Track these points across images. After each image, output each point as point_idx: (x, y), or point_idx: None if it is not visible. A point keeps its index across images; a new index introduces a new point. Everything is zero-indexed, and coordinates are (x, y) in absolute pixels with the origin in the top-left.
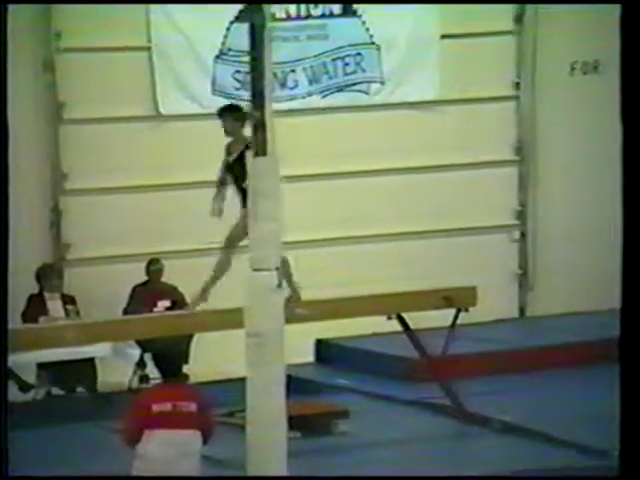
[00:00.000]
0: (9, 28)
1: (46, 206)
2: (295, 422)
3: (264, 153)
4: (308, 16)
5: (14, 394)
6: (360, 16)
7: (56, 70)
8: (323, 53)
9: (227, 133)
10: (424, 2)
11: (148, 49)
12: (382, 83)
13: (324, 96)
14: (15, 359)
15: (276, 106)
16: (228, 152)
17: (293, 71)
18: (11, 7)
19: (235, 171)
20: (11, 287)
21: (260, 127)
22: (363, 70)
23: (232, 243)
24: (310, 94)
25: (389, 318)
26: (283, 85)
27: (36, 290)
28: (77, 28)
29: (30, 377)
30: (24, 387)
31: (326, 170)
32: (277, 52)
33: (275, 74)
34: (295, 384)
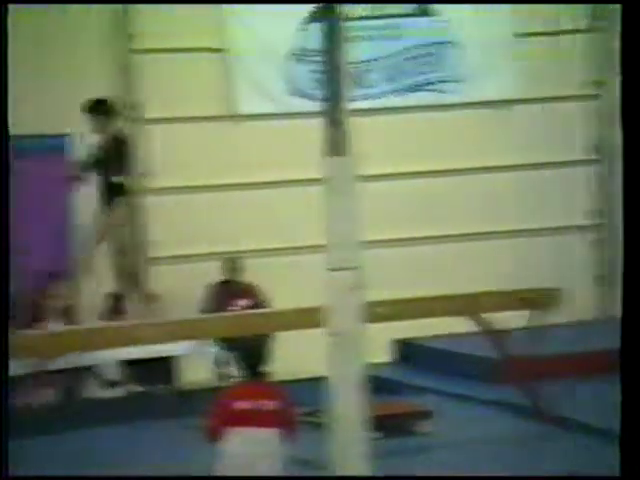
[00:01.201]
0: (87, 29)
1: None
2: (377, 422)
3: (340, 153)
4: (383, 15)
5: (97, 391)
6: (435, 15)
7: (132, 71)
8: (399, 52)
9: (96, 130)
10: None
11: (223, 50)
12: (458, 82)
13: (400, 95)
14: (97, 356)
15: (351, 105)
16: (99, 148)
17: (368, 70)
18: (82, 8)
19: (104, 165)
20: (90, 285)
21: (336, 126)
22: (439, 69)
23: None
24: (385, 93)
25: (470, 318)
26: (358, 84)
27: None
28: (153, 30)
29: (112, 375)
30: (106, 384)
31: (401, 169)
32: (353, 51)
33: (350, 73)
34: (376, 384)
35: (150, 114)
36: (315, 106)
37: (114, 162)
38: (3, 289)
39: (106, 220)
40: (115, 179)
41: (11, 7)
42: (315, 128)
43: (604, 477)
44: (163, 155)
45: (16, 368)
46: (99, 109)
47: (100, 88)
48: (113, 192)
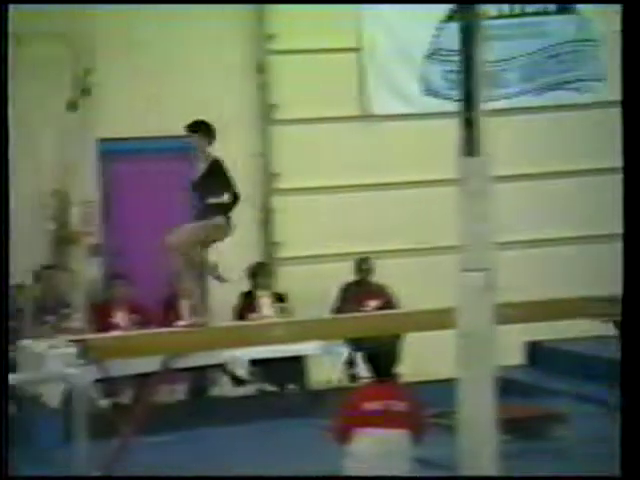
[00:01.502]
0: (221, 30)
1: (257, 205)
2: (508, 425)
3: (474, 153)
4: (522, 14)
5: (228, 389)
6: (577, 13)
7: (268, 72)
8: (537, 51)
9: (196, 150)
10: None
11: (358, 50)
12: (599, 81)
13: (537, 95)
14: (228, 355)
15: (487, 105)
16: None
17: (505, 70)
18: (220, 8)
19: (200, 188)
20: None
21: (470, 126)
22: (579, 68)
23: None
24: (522, 93)
25: (606, 321)
26: (495, 84)
27: (247, 288)
28: (290, 30)
29: (243, 373)
30: (237, 383)
31: (536, 170)
32: (489, 51)
33: (486, 73)
34: (507, 386)
35: (283, 115)
36: (450, 106)
37: (212, 183)
38: (3, 290)
39: (201, 232)
40: (213, 200)
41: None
42: (449, 128)
43: (604, 477)
44: (295, 156)
45: (146, 365)
46: (198, 129)
47: (238, 88)
48: (210, 212)
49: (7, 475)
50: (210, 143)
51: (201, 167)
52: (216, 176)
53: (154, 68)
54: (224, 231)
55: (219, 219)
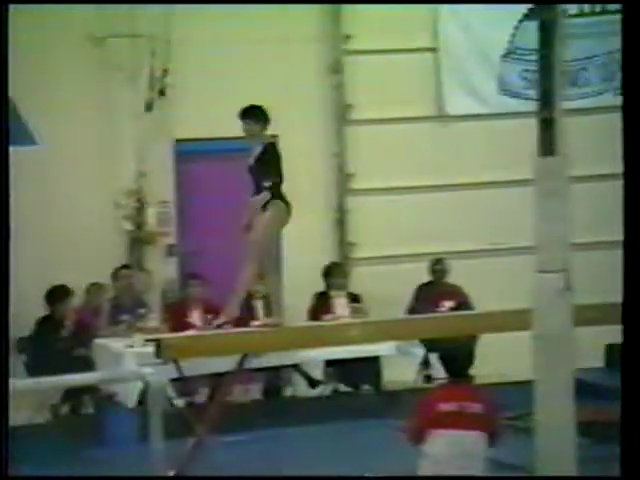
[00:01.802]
0: (297, 30)
1: (332, 205)
2: (587, 428)
3: (552, 152)
4: (603, 12)
5: (302, 390)
6: None
7: (344, 72)
8: (618, 50)
9: (247, 134)
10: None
11: (434, 50)
12: None
13: (617, 94)
14: (303, 356)
15: (566, 104)
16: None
17: (584, 69)
18: (296, 9)
19: (255, 172)
20: (297, 284)
21: (548, 126)
22: None
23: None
24: (602, 92)
25: None
26: (574, 83)
27: (321, 288)
28: (365, 30)
29: (317, 374)
30: (312, 383)
31: (616, 170)
32: (568, 49)
33: (565, 72)
34: (585, 388)
35: (358, 115)
36: (526, 106)
37: (265, 166)
38: (3, 291)
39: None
40: (267, 183)
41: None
42: (525, 128)
43: (604, 477)
44: (370, 156)
45: (221, 365)
46: (251, 114)
47: (313, 89)
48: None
49: (7, 475)
50: (265, 128)
51: (256, 151)
52: (269, 159)
53: (229, 69)
54: (288, 214)
55: (278, 203)
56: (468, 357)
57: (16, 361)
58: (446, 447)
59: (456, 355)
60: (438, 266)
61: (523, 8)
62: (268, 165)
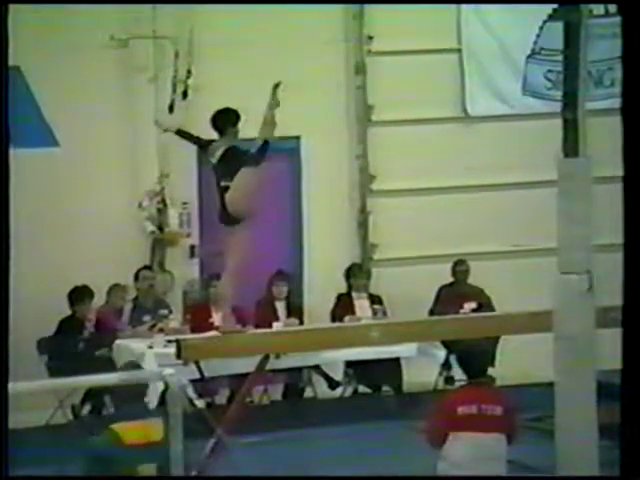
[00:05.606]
0: (320, 31)
1: (355, 207)
2: (608, 430)
3: (575, 154)
4: None
5: (323, 391)
6: None
7: (367, 73)
8: None
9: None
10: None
11: (458, 51)
12: None
13: None
14: (323, 357)
15: (591, 105)
16: (212, 154)
17: (610, 69)
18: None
19: (218, 171)
20: (320, 285)
21: (572, 127)
22: None
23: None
24: None
25: None
26: (599, 84)
27: (344, 289)
28: (388, 31)
29: (338, 374)
30: (332, 384)
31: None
32: (593, 50)
33: (590, 72)
34: (607, 391)
35: (381, 116)
36: (550, 106)
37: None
38: (3, 292)
39: None
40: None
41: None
42: (549, 129)
43: (604, 477)
44: (393, 157)
45: (242, 366)
46: (223, 118)
47: (336, 90)
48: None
49: (7, 475)
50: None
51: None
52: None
53: (251, 70)
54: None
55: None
56: (487, 358)
57: (38, 361)
58: (466, 450)
59: (474, 356)
60: (460, 267)
61: (547, 8)
62: (228, 167)
